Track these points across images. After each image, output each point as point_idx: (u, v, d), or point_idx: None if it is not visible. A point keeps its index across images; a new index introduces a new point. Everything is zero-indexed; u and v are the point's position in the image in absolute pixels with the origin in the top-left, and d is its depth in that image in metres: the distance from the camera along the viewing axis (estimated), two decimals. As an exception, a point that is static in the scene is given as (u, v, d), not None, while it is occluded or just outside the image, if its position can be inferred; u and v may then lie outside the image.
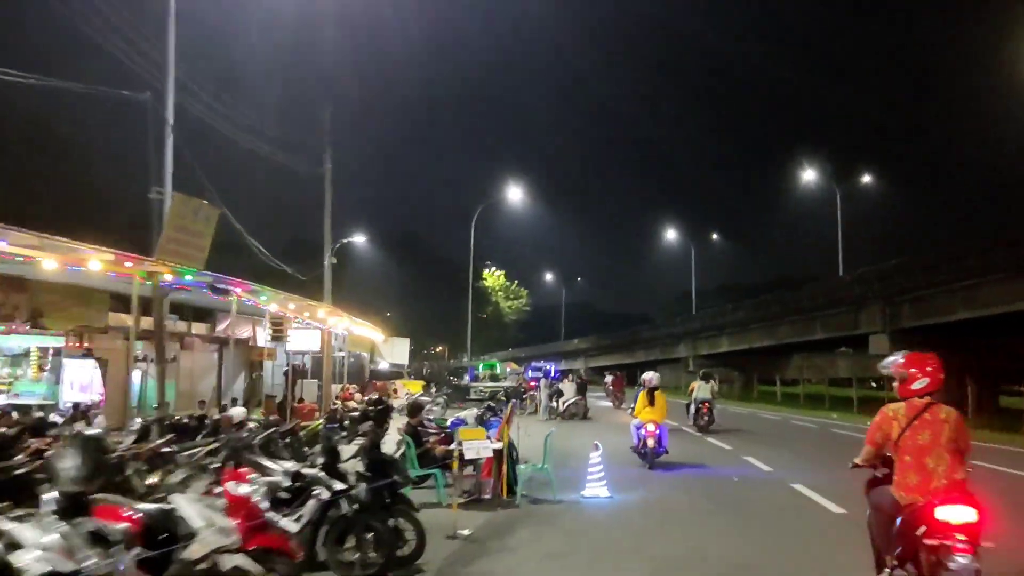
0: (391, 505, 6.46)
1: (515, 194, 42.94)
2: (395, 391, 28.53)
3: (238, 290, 13.03)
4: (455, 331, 49.66)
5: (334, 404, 19.10)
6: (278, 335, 17.29)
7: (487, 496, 9.86)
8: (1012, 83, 39.20)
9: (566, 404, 25.72)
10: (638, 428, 13.37)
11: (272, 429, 9.30)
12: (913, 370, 4.79)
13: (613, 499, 10.28)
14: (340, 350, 23.91)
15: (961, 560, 4.23)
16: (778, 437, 21.01)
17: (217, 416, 11.80)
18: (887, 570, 4.69)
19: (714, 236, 71.38)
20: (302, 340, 19.72)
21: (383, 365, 42.71)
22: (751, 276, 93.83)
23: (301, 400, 19.51)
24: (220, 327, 18.69)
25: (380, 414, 16.34)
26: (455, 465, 8.83)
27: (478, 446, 9.11)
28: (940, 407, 4.69)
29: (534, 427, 20.91)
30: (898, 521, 4.54)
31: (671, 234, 62.05)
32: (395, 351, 34.88)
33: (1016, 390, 27.24)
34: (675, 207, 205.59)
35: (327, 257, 24.81)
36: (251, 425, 10.24)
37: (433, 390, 31.94)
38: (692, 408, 21.95)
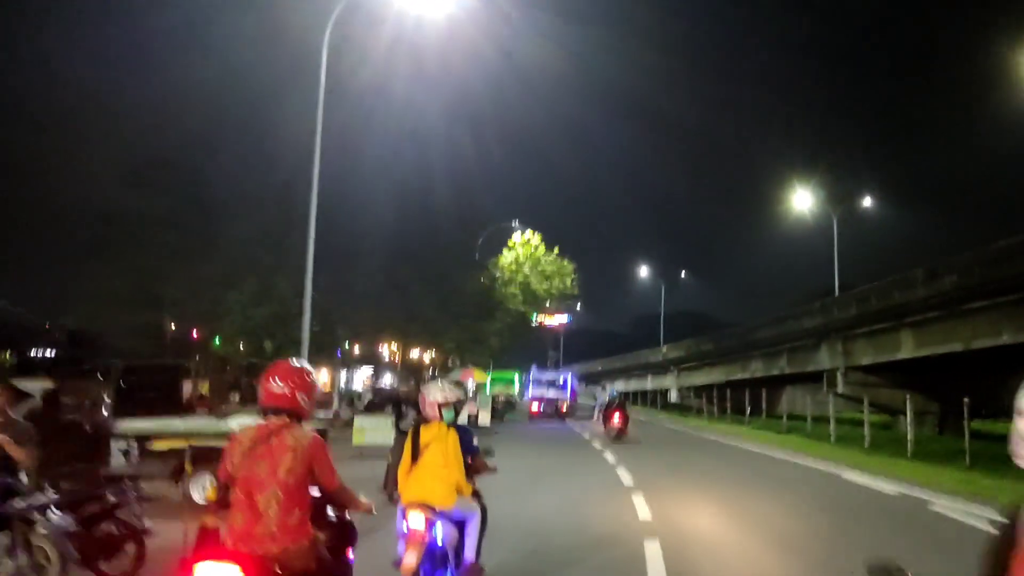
0: None
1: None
2: None
3: None
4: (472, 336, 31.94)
5: None
6: None
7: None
8: None
9: None
10: (401, 518, 5.13)
11: None
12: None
13: None
14: None
15: None
16: None
17: None
18: None
19: (865, 202, 40.86)
20: None
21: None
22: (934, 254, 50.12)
23: None
24: None
25: None
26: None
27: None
28: (293, 430, 3.37)
29: None
30: None
31: (803, 201, 38.98)
32: None
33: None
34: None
35: None
36: None
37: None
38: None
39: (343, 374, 37.76)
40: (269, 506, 3.29)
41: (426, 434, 5.32)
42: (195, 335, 28.46)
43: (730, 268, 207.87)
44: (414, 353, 36.66)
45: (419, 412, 11.25)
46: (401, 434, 10.83)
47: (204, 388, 31.35)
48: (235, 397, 31.26)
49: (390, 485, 10.67)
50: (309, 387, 3.57)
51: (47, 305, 30.84)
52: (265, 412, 3.50)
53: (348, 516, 3.99)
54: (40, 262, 28.61)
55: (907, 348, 26.94)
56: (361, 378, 41.91)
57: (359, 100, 26.67)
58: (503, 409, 33.09)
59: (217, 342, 28.67)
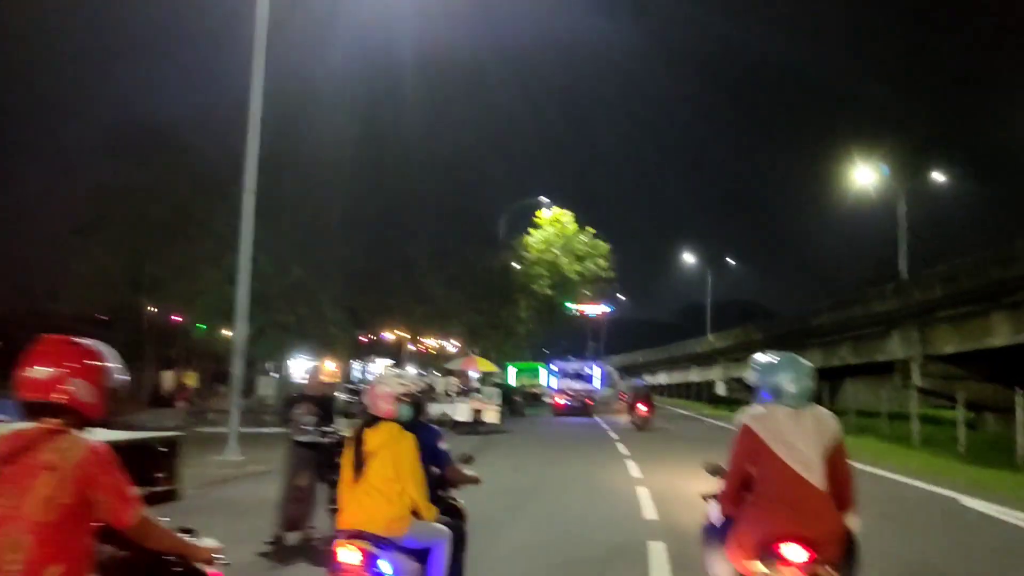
0: None
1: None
2: None
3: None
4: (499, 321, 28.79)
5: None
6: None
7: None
8: None
9: None
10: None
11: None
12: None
13: None
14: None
15: None
16: None
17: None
18: None
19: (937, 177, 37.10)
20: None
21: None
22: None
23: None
24: None
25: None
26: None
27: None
28: (59, 440, 2.20)
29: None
30: None
31: (865, 178, 34.15)
32: None
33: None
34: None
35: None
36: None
37: None
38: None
39: (355, 366, 34.69)
40: (4, 558, 2.16)
41: (372, 439, 4.02)
42: (176, 319, 25.53)
43: (785, 257, 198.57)
44: (430, 343, 33.35)
45: (325, 413, 7.76)
46: (300, 447, 7.44)
47: (189, 378, 27.79)
48: (221, 389, 28.09)
49: (284, 521, 7.30)
50: (92, 372, 2.32)
51: (34, 290, 28.35)
52: (27, 413, 2.30)
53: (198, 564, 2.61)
54: (23, 242, 26.08)
55: (1002, 334, 22.64)
56: (379, 370, 38.95)
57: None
58: (523, 403, 29.89)
59: (202, 327, 25.71)
